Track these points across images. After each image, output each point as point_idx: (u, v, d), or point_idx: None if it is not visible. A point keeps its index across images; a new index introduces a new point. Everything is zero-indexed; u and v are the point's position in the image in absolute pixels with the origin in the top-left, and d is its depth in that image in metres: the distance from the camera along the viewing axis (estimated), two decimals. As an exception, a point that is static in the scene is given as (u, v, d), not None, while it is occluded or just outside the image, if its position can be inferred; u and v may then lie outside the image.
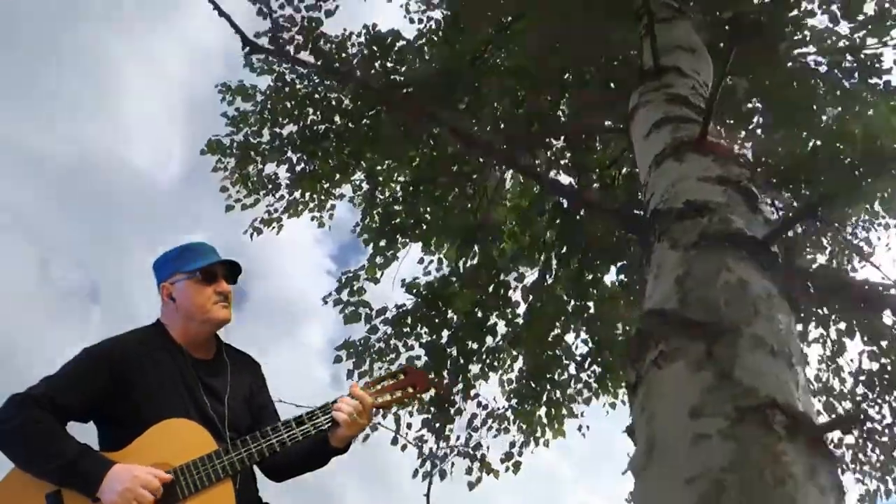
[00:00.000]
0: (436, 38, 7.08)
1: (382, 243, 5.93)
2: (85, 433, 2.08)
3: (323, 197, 7.17)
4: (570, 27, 5.21)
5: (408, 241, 6.06)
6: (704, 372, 1.47)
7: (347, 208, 7.72)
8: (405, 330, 5.80)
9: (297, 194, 7.17)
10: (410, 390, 2.31)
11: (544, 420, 6.23)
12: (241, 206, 7.13)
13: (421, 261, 6.51)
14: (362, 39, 7.16)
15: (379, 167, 7.10)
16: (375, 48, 6.98)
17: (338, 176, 7.07)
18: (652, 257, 2.06)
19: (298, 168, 7.16)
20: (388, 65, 6.85)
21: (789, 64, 5.13)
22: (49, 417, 1.96)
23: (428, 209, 6.00)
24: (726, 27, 4.50)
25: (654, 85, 3.33)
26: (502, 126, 5.59)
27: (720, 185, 2.25)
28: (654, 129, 2.90)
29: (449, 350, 5.93)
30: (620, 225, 3.90)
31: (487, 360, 6.64)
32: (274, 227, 7.26)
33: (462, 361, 5.92)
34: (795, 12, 4.60)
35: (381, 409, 2.24)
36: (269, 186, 7.28)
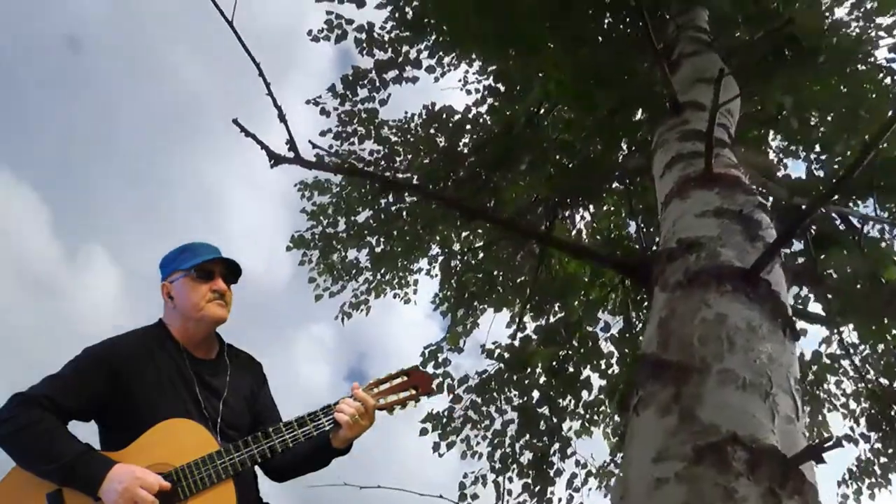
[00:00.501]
0: (490, 105, 7.32)
1: (460, 313, 6.03)
2: (86, 433, 2.09)
3: (402, 273, 7.41)
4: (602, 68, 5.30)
5: (484, 306, 6.14)
6: (670, 416, 1.48)
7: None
8: (493, 395, 5.81)
9: (378, 275, 7.45)
10: (414, 391, 2.27)
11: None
12: (329, 294, 7.49)
13: (508, 325, 6.60)
14: (422, 118, 7.56)
15: (453, 236, 7.33)
16: (434, 127, 7.32)
17: (415, 252, 7.32)
18: (651, 304, 2.06)
19: (378, 250, 7.48)
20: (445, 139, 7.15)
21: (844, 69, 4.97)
22: (51, 417, 1.97)
23: (498, 272, 6.08)
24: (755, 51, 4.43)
25: (671, 123, 3.34)
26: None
27: (717, 217, 2.23)
28: (666, 170, 2.91)
29: (541, 410, 5.88)
30: (626, 274, 3.83)
31: (587, 416, 6.55)
32: (362, 310, 7.57)
33: (555, 420, 5.85)
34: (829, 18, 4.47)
35: (384, 410, 2.24)
36: (353, 271, 7.62)
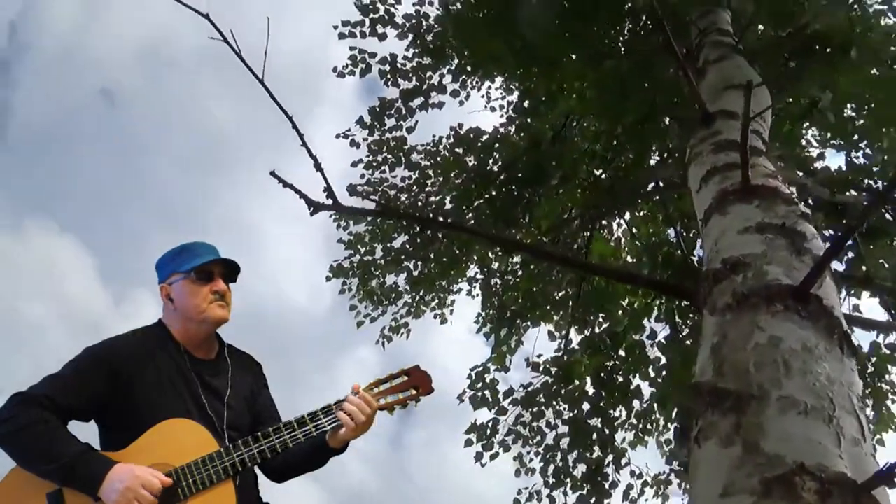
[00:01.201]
0: (517, 123, 7.36)
1: (503, 332, 6.04)
2: (87, 433, 2.09)
3: (442, 295, 7.44)
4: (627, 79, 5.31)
5: (528, 323, 6.14)
6: (733, 447, 1.48)
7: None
8: (541, 409, 5.80)
9: (417, 297, 7.49)
10: (414, 392, 2.26)
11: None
12: (370, 320, 7.55)
13: (552, 338, 6.59)
14: (451, 140, 7.63)
15: (490, 255, 7.36)
16: (463, 149, 7.37)
17: (452, 273, 7.36)
18: (702, 327, 2.06)
19: (415, 273, 7.53)
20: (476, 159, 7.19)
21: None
22: (50, 417, 1.96)
23: (538, 288, 6.08)
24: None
25: (703, 134, 3.33)
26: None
27: (760, 233, 2.23)
28: (702, 183, 2.90)
29: (591, 422, 5.86)
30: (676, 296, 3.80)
31: (639, 426, 6.49)
32: (402, 333, 7.61)
33: (607, 432, 5.81)
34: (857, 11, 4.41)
35: (384, 410, 2.24)
36: (392, 296, 7.68)
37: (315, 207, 2.88)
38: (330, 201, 2.95)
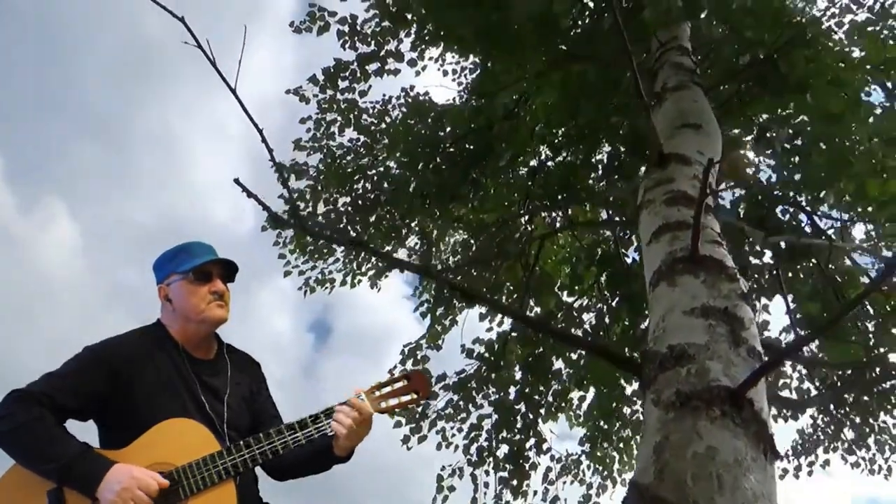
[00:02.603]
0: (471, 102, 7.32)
1: (440, 311, 6.19)
2: (86, 432, 2.09)
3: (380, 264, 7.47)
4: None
5: (464, 305, 6.30)
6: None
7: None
8: (471, 393, 6.03)
9: (353, 264, 7.50)
10: (413, 396, 2.27)
11: (617, 460, 6.35)
12: (298, 272, 7.47)
13: (482, 319, 6.76)
14: (402, 103, 7.56)
15: (431, 226, 7.41)
16: (414, 119, 7.31)
17: (393, 242, 7.39)
18: (644, 407, 2.22)
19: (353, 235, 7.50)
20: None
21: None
22: (48, 416, 1.96)
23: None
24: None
25: (657, 178, 3.47)
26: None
27: (704, 317, 2.40)
28: (653, 239, 3.05)
29: (517, 406, 6.14)
30: (618, 366, 4.01)
31: (555, 403, 6.83)
32: (327, 287, 7.61)
33: (532, 417, 6.11)
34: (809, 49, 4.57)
35: (385, 414, 2.33)
36: (325, 251, 7.61)
37: (278, 223, 2.87)
38: (292, 221, 2.95)
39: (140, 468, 1.91)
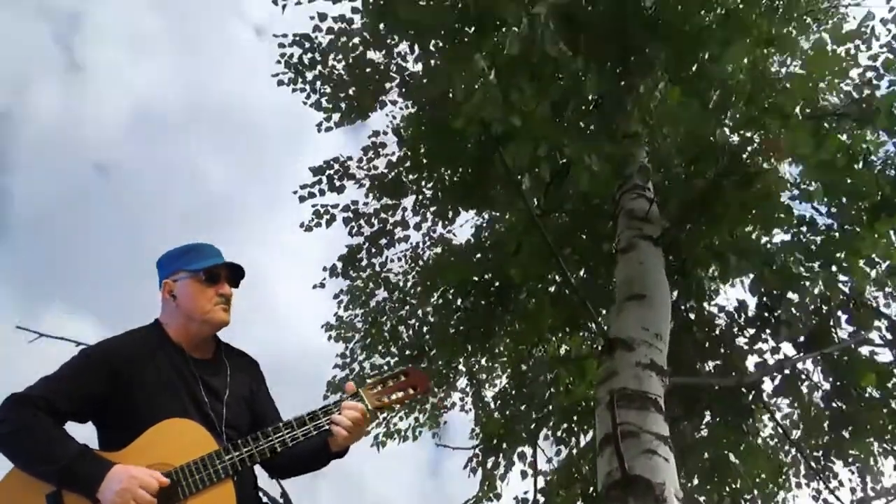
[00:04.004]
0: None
1: (490, 463, 6.46)
2: (86, 433, 2.08)
3: (436, 412, 7.88)
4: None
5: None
6: None
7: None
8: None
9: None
10: (412, 391, 2.27)
11: None
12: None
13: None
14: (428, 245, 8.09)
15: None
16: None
17: (444, 388, 7.80)
18: None
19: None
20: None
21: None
22: (47, 419, 1.95)
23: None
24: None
25: (604, 370, 3.73)
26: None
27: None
28: (600, 451, 3.30)
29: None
30: None
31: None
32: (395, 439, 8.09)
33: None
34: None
35: (384, 410, 2.45)
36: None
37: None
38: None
39: (139, 468, 1.90)
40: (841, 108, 6.40)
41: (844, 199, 5.72)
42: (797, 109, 4.38)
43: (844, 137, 6.50)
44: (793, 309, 4.83)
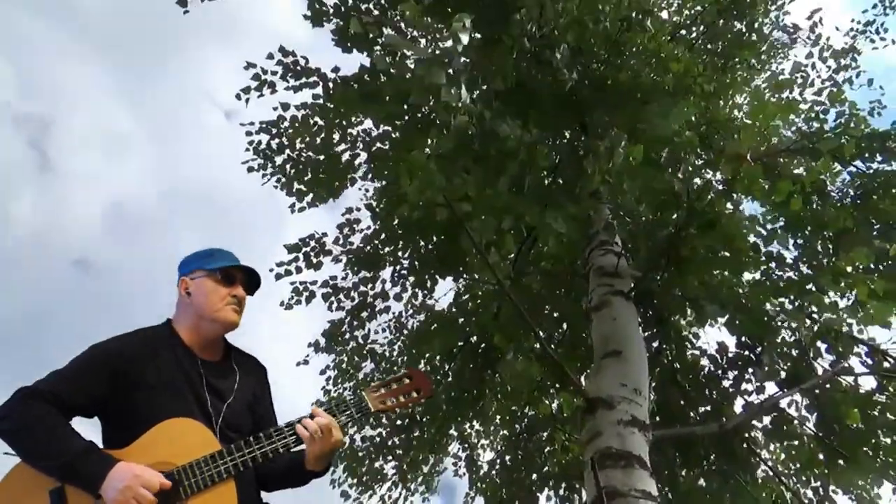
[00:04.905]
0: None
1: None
2: (90, 430, 2.08)
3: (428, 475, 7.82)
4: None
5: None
6: None
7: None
8: None
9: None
10: (415, 395, 2.28)
11: None
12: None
13: None
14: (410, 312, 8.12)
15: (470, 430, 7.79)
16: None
17: (436, 455, 7.76)
18: None
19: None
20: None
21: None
22: (54, 413, 1.96)
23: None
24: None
25: (587, 430, 3.76)
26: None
27: None
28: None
29: None
30: None
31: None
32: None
33: None
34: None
35: (387, 412, 2.30)
36: (379, 477, 8.04)
37: None
38: None
39: (142, 466, 1.92)
40: (792, 145, 6.68)
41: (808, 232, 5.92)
42: (748, 154, 4.51)
43: (801, 170, 6.76)
44: (768, 347, 4.89)
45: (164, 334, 2.23)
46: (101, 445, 2.05)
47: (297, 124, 6.62)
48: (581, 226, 5.04)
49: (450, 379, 7.58)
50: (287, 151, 7.05)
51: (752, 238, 5.37)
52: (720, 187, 5.14)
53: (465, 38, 3.81)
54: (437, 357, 7.67)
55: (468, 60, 4.12)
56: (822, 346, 5.70)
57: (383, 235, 7.14)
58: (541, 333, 5.37)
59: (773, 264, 5.97)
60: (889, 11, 7.74)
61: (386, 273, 7.42)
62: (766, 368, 4.64)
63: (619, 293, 4.64)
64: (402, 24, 5.55)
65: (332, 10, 5.76)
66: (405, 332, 8.11)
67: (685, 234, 4.77)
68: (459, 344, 7.49)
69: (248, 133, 7.02)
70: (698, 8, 6.94)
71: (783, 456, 5.60)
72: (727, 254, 4.75)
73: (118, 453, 1.97)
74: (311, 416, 2.11)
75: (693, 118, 4.95)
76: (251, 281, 2.35)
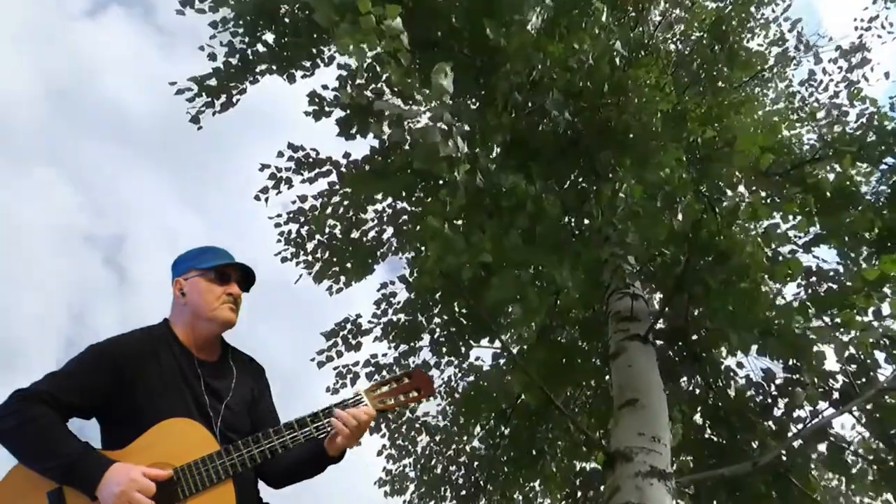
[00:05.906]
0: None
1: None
2: (88, 430, 2.07)
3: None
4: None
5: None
6: None
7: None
8: None
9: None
10: (415, 394, 2.24)
11: None
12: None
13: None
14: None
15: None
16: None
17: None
18: None
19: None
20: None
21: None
22: (51, 415, 1.94)
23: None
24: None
25: (607, 487, 3.67)
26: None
27: None
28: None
29: None
30: None
31: None
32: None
33: None
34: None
35: (387, 412, 2.16)
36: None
37: None
38: None
39: (138, 469, 1.89)
40: (816, 153, 6.49)
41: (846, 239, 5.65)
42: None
43: (832, 177, 6.51)
44: (806, 368, 4.67)
45: (163, 334, 2.22)
46: (99, 446, 2.05)
47: (315, 212, 6.84)
48: (596, 271, 4.99)
49: (506, 441, 7.50)
50: (317, 236, 7.28)
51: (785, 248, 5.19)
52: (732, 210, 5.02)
53: (448, 85, 3.84)
54: (492, 418, 7.60)
55: (459, 121, 4.18)
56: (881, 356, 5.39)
57: (419, 304, 7.21)
58: (553, 400, 5.28)
59: (812, 279, 5.76)
60: (890, 5, 7.52)
61: (424, 342, 7.48)
62: (804, 387, 4.42)
63: (636, 337, 4.56)
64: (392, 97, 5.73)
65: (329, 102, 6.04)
66: (456, 395, 8.09)
67: (696, 270, 4.68)
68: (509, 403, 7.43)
69: (277, 224, 7.29)
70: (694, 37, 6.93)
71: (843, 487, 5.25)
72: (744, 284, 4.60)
73: (117, 454, 1.96)
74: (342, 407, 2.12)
75: (684, 158, 4.88)
76: (246, 277, 2.34)
